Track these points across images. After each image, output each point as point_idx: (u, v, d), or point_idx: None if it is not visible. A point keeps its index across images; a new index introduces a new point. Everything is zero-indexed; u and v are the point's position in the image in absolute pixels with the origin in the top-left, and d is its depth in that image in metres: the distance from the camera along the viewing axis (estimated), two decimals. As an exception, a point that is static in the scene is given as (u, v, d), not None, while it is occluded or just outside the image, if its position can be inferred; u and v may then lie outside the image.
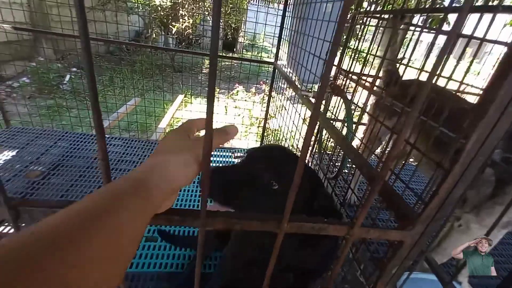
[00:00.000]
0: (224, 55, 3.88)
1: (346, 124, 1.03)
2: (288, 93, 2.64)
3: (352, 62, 1.41)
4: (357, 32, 1.66)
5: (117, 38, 4.60)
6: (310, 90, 1.08)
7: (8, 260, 0.19)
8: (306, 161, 1.75)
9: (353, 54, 1.38)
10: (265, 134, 2.50)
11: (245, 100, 4.14)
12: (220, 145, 0.47)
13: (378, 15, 1.50)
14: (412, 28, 1.33)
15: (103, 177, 0.37)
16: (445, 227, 1.22)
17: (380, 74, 1.52)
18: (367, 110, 1.61)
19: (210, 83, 0.30)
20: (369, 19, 1.55)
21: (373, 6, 1.57)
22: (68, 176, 1.71)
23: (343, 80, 1.38)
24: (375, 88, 1.45)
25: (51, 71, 4.07)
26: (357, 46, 1.38)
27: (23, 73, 4.13)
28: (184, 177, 0.38)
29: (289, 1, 1.77)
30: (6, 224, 1.27)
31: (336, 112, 1.31)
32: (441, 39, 1.23)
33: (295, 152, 0.86)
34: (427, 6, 1.36)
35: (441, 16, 1.84)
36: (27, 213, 0.38)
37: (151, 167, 0.35)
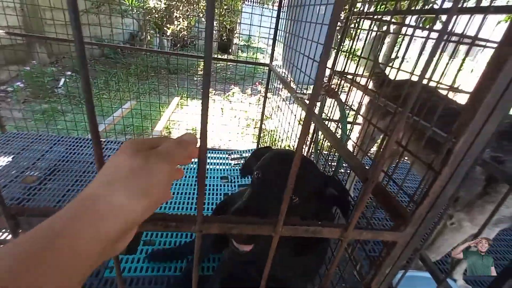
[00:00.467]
0: (219, 57, 3.89)
1: (340, 126, 1.04)
2: (284, 94, 2.66)
3: (347, 62, 1.43)
4: (351, 32, 1.68)
5: (112, 40, 4.58)
6: (305, 93, 1.09)
7: None
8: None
9: (347, 54, 1.40)
10: (261, 135, 2.51)
11: (241, 102, 4.14)
12: (186, 162, 0.36)
13: (371, 16, 1.51)
14: (404, 28, 1.35)
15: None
16: (439, 225, 1.24)
17: (372, 76, 1.54)
18: (362, 110, 1.63)
19: (204, 85, 0.30)
20: (362, 20, 1.57)
21: (367, 6, 1.59)
22: (64, 181, 1.70)
23: (338, 81, 1.39)
24: (369, 88, 1.47)
25: (45, 75, 4.04)
26: (351, 47, 1.39)
27: (17, 77, 4.10)
28: (137, 212, 0.28)
29: (283, 3, 1.79)
30: (5, 231, 1.27)
31: (331, 113, 1.32)
32: (435, 38, 1.25)
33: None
34: (419, 7, 1.38)
35: (433, 16, 1.86)
36: (26, 222, 0.38)
37: (82, 206, 0.26)
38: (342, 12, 1.56)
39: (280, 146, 3.06)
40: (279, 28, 1.87)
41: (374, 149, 2.07)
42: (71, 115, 2.78)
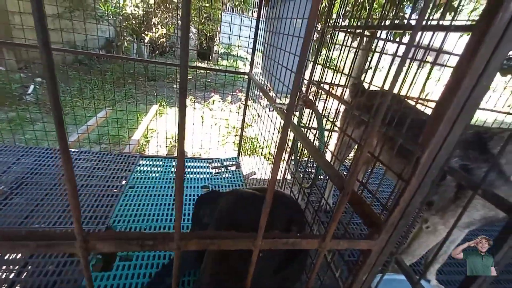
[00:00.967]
0: (199, 65, 3.87)
1: (318, 136, 1.07)
2: (264, 101, 2.70)
3: (324, 72, 1.48)
4: (327, 43, 1.74)
5: (86, 47, 4.42)
6: (284, 103, 1.11)
7: None
8: (283, 169, 1.78)
9: (324, 65, 1.46)
10: (242, 143, 2.52)
11: (222, 110, 4.13)
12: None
13: (345, 29, 1.59)
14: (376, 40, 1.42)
15: (69, 199, 0.36)
16: (414, 229, 1.30)
17: (348, 87, 1.60)
18: (338, 119, 1.69)
19: (180, 95, 0.30)
20: (337, 32, 1.64)
21: (341, 20, 1.66)
22: (33, 195, 1.60)
23: (315, 91, 1.44)
24: (344, 98, 1.53)
25: (13, 81, 3.81)
26: (327, 57, 1.45)
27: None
28: None
29: (261, 15, 1.83)
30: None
31: (308, 122, 1.36)
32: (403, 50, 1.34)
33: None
34: (389, 23, 1.47)
35: (401, 31, 1.98)
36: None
37: None
38: (319, 24, 1.62)
39: (261, 154, 3.07)
40: (258, 38, 1.91)
41: (351, 155, 2.14)
42: (40, 124, 2.63)
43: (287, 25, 1.44)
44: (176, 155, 3.01)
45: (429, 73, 1.30)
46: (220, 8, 6.75)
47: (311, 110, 1.31)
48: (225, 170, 2.23)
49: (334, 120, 1.15)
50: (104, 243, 0.40)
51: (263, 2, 1.93)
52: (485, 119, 2.88)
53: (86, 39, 2.57)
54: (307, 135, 1.24)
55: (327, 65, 1.43)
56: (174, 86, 6.07)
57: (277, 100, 1.39)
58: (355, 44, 1.47)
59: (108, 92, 4.67)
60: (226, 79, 2.48)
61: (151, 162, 2.18)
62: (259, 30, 1.87)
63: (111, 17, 5.44)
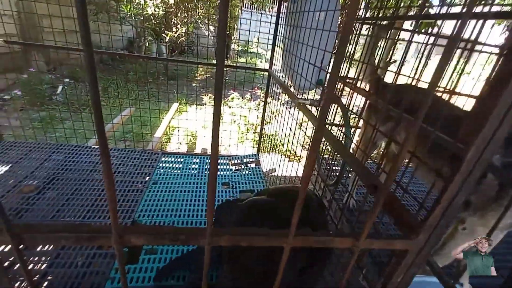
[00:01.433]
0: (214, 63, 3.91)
1: (344, 131, 1.04)
2: (284, 98, 2.66)
3: (348, 67, 1.44)
4: (352, 37, 1.69)
5: (111, 47, 4.59)
6: (306, 98, 1.09)
7: None
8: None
9: (348, 59, 1.41)
10: (261, 139, 2.51)
11: (241, 107, 4.14)
12: None
13: (370, 21, 1.53)
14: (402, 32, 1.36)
15: (107, 192, 0.37)
16: (448, 230, 1.23)
17: (369, 82, 1.54)
18: (363, 115, 1.64)
19: (216, 93, 0.29)
20: (360, 25, 1.58)
21: (365, 11, 1.60)
22: (63, 190, 1.68)
23: (340, 86, 1.39)
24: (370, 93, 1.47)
25: (43, 82, 4.03)
26: (351, 51, 1.40)
27: (14, 85, 4.08)
28: None
29: (282, 10, 1.80)
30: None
31: (331, 118, 1.32)
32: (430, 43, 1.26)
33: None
34: (416, 12, 1.40)
35: (430, 21, 1.88)
36: (29, 240, 0.37)
37: None
38: (340, 18, 1.57)
39: (281, 151, 3.05)
40: (278, 34, 1.88)
41: (374, 152, 2.07)
42: (69, 122, 2.76)
43: (308, 19, 1.40)
44: (196, 152, 3.03)
45: (464, 67, 1.22)
46: (238, 5, 6.76)
47: (333, 106, 1.27)
48: (245, 167, 2.23)
49: (360, 113, 1.11)
50: (138, 237, 0.40)
51: (283, -4, 1.90)
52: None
53: (111, 39, 2.66)
54: (330, 131, 1.21)
55: (350, 62, 1.38)
56: (194, 84, 6.17)
57: (299, 96, 1.37)
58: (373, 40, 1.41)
59: (131, 91, 4.83)
60: (245, 76, 2.48)
61: (172, 159, 2.22)
62: (279, 25, 1.84)
63: (133, 18, 5.60)
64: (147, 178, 1.93)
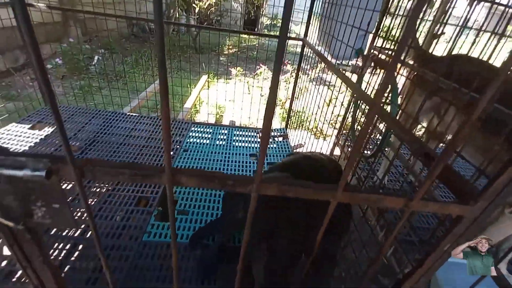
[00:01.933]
0: (251, 31, 3.80)
1: (390, 98, 0.97)
2: (314, 73, 2.55)
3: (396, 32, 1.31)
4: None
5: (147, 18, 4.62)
6: (347, 64, 1.02)
7: None
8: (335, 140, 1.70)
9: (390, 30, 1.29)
10: (290, 114, 2.46)
11: (269, 80, 4.06)
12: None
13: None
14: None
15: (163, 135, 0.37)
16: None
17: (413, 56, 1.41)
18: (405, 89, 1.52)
19: (277, 63, 0.27)
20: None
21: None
22: (103, 152, 1.80)
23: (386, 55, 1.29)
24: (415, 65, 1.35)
25: (80, 52, 4.20)
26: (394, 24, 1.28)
27: (55, 54, 4.31)
28: None
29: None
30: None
31: (370, 89, 1.24)
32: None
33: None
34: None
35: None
36: (90, 172, 0.39)
37: None
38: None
39: (308, 128, 2.99)
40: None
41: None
42: (105, 91, 2.89)
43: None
44: (224, 124, 3.06)
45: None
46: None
47: (374, 74, 1.19)
48: (273, 140, 2.22)
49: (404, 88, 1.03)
50: (189, 178, 0.41)
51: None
52: None
53: (140, 11, 2.66)
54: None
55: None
56: (221, 58, 6.11)
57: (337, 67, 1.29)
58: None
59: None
60: (272, 52, 2.39)
61: (202, 129, 2.27)
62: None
63: (163, -12, 5.55)
64: (178, 146, 2.00)
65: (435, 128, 1.19)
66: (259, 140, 2.22)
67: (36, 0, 2.02)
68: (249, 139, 2.23)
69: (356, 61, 1.26)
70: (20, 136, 1.83)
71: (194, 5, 6.02)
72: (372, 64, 1.10)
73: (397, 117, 1.50)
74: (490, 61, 1.13)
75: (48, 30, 4.21)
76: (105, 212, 1.33)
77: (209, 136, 2.20)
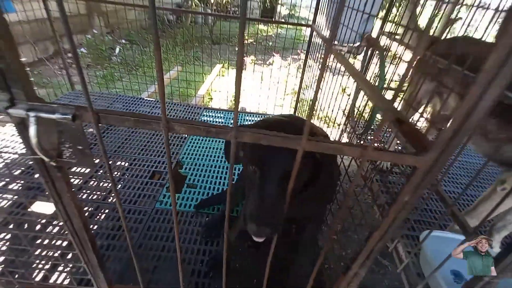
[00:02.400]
0: (263, 19, 3.82)
1: (378, 72, 1.02)
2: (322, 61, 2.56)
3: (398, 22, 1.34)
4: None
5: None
6: (344, 45, 1.07)
7: None
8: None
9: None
10: (298, 99, 2.51)
11: (281, 68, 4.09)
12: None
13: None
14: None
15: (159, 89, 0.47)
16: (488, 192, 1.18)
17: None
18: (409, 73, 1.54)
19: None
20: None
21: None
22: (121, 134, 1.95)
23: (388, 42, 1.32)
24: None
25: (103, 43, 4.44)
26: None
27: (81, 45, 4.57)
28: None
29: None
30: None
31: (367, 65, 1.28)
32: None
33: None
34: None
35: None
36: (104, 118, 0.50)
37: None
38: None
39: (318, 117, 3.02)
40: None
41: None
42: (125, 80, 3.07)
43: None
44: (231, 109, 3.15)
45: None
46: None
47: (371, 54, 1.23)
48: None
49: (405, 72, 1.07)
50: (180, 126, 0.50)
51: None
52: None
53: (161, 2, 2.77)
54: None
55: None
56: (236, 48, 6.17)
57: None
58: None
59: (178, 54, 5.07)
60: (288, 41, 2.43)
61: (213, 114, 2.38)
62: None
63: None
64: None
65: (439, 111, 1.21)
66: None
67: (64, -8, 2.19)
68: (258, 124, 2.32)
69: (359, 44, 1.30)
70: (50, 117, 2.03)
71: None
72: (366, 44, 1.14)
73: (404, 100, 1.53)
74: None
75: (74, 22, 4.46)
76: (123, 183, 1.48)
77: (221, 120, 2.31)
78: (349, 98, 1.75)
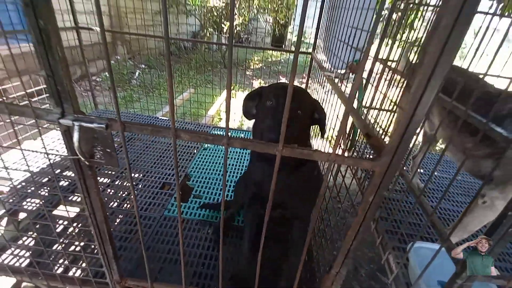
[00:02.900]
0: (267, 47, 4.11)
1: (356, 96, 1.16)
2: (328, 86, 2.74)
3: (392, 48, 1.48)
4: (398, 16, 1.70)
5: (182, 37, 5.19)
6: (332, 71, 1.23)
7: None
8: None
9: (391, 41, 1.46)
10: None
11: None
12: None
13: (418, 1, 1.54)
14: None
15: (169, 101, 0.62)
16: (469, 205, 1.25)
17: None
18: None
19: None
20: (410, 5, 1.60)
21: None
22: (138, 147, 2.14)
23: (382, 69, 1.46)
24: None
25: (125, 68, 4.83)
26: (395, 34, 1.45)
27: (104, 70, 4.99)
28: None
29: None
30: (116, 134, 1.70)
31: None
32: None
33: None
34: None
35: None
36: (128, 127, 0.65)
37: None
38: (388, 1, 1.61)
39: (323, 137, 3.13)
40: (322, 16, 1.98)
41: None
42: (143, 101, 3.34)
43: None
44: (243, 129, 3.29)
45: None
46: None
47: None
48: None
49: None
50: (185, 134, 0.65)
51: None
52: None
53: (178, 32, 3.08)
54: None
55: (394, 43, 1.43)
56: (247, 72, 6.51)
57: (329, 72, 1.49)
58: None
59: (191, 78, 5.42)
60: (299, 65, 2.62)
61: (222, 132, 2.55)
62: (323, 8, 1.94)
63: (197, 10, 6.17)
64: (199, 144, 2.29)
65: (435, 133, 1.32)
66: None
67: (94, 24, 2.50)
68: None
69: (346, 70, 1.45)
70: (75, 133, 2.26)
71: (223, 25, 6.58)
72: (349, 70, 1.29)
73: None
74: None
75: (101, 49, 4.92)
76: (137, 192, 1.63)
77: (228, 138, 2.47)
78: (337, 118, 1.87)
